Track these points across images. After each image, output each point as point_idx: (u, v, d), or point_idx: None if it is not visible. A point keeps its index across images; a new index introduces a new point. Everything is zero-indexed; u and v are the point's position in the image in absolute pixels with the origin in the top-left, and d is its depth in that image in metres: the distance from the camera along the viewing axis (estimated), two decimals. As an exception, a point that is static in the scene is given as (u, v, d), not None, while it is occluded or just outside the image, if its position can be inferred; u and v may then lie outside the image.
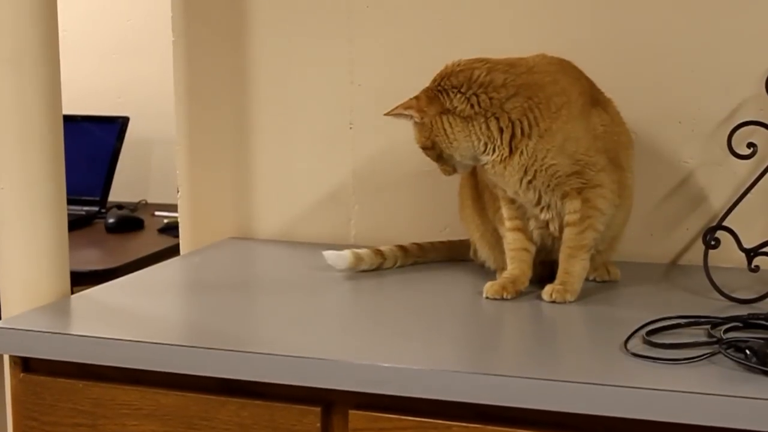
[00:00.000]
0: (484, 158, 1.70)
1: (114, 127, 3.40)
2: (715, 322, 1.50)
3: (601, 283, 1.80)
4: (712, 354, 1.38)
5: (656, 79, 1.92)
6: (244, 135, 2.19)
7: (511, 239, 1.77)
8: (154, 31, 3.35)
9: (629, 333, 1.47)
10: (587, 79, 1.77)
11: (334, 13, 2.10)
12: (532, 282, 1.74)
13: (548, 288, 1.69)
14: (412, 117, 1.71)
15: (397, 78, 2.03)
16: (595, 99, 1.75)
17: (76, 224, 2.94)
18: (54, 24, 1.80)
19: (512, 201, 1.76)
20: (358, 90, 2.11)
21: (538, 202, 1.72)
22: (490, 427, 1.36)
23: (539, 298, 1.69)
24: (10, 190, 1.77)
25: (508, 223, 1.78)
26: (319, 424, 1.44)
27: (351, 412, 1.43)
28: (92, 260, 2.73)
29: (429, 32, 2.05)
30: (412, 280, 1.87)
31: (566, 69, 1.75)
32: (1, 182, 1.77)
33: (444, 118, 1.69)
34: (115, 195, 3.35)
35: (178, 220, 2.28)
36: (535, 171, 1.68)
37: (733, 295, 1.66)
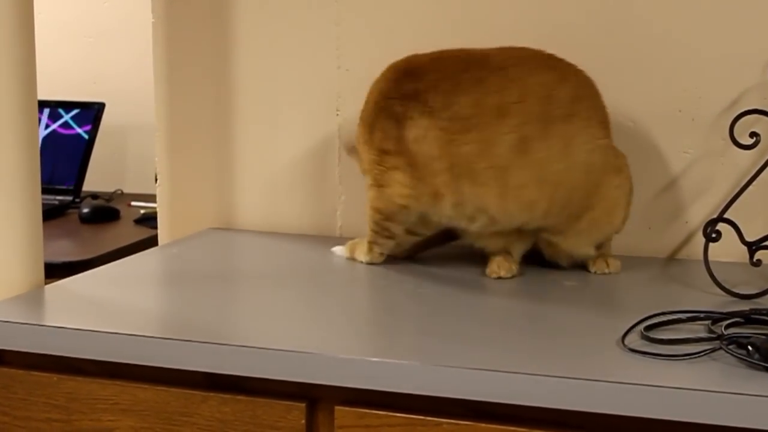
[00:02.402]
0: None
1: (89, 114, 3.39)
2: (715, 318, 1.51)
3: (601, 276, 1.80)
4: (713, 350, 1.38)
5: (655, 67, 1.92)
6: (226, 121, 2.19)
7: None
8: (131, 15, 3.33)
9: (627, 328, 1.47)
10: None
11: (321, -7, 2.10)
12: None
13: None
14: None
15: (386, 63, 2.02)
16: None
17: (49, 214, 2.93)
18: (29, 5, 1.78)
19: None
20: (345, 75, 2.10)
21: None
22: (482, 424, 1.36)
23: (535, 290, 1.69)
24: (-18, 178, 1.76)
25: None
26: (303, 421, 1.44)
27: (337, 408, 1.42)
28: (66, 251, 2.71)
29: (418, 15, 2.04)
30: (399, 271, 1.86)
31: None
32: (-27, 168, 1.77)
33: None
34: (90, 184, 3.33)
35: (157, 209, 2.28)
36: None
37: (735, 290, 1.67)
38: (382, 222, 1.84)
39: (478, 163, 1.73)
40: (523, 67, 1.78)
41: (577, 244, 1.80)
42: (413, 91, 1.78)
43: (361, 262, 1.90)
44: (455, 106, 1.75)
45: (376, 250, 1.89)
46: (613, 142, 1.81)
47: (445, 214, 1.78)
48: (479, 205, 1.75)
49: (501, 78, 1.77)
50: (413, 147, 1.76)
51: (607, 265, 1.82)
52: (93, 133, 3.36)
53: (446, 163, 1.74)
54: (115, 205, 3.20)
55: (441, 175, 1.74)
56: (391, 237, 1.86)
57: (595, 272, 1.81)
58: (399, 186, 1.78)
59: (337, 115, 2.11)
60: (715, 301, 1.63)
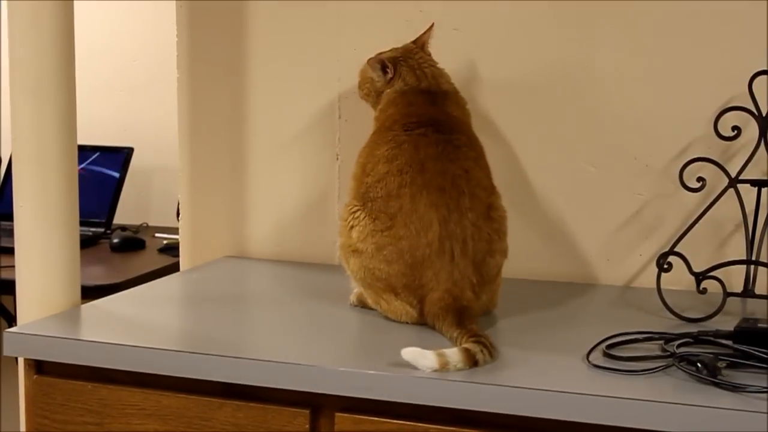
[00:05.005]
0: None
1: (119, 157, 3.38)
2: (668, 338, 1.49)
3: (566, 301, 1.78)
4: (667, 366, 1.38)
5: (615, 120, 1.91)
6: (241, 164, 2.17)
7: None
8: (157, 72, 3.34)
9: (590, 347, 1.46)
10: None
11: (325, 55, 2.09)
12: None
13: None
14: None
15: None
16: None
17: (83, 244, 2.87)
18: (71, 60, 1.78)
19: None
20: (344, 125, 2.10)
21: None
22: (464, 430, 1.35)
23: (507, 315, 1.68)
24: (29, 209, 1.75)
25: None
26: (308, 426, 1.42)
27: (337, 414, 1.41)
28: (98, 276, 2.70)
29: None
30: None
31: None
32: (21, 201, 1.75)
33: None
34: (120, 218, 3.33)
35: (179, 240, 2.26)
36: None
37: (684, 314, 1.65)
38: None
39: None
40: None
41: None
42: None
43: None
44: None
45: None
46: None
47: None
48: None
49: None
50: None
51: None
52: (123, 174, 3.36)
53: None
54: (142, 236, 3.19)
55: None
56: None
57: None
58: None
59: (337, 159, 2.10)
60: (667, 324, 1.62)
